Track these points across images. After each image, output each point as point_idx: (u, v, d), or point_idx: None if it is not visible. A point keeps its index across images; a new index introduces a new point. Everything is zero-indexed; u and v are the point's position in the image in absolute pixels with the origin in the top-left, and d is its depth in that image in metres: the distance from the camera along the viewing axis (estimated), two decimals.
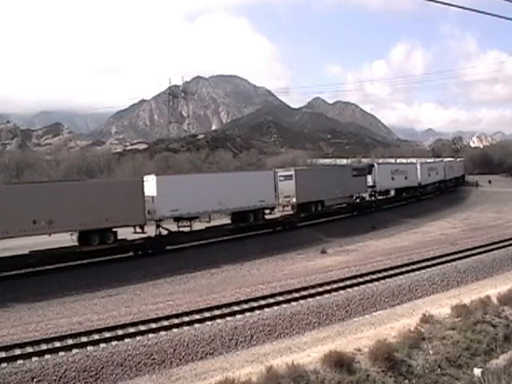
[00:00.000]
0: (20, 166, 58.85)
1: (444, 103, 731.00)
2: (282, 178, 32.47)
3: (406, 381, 10.69)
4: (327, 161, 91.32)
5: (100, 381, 11.42)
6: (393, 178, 42.68)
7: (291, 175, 32.02)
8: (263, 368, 10.34)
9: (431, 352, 11.63)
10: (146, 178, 24.70)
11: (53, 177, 49.94)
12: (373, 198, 40.69)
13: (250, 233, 28.92)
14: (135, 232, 23.80)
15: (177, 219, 25.60)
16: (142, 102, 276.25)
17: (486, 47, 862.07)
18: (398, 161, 64.05)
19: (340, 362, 10.53)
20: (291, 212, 32.58)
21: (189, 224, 26.03)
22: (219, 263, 23.45)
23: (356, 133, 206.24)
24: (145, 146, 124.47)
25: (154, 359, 12.21)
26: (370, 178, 39.76)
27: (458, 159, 68.43)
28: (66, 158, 72.13)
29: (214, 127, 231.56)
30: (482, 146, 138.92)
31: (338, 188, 34.77)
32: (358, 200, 38.67)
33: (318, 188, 33.04)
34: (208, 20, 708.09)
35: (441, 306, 15.12)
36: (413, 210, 41.44)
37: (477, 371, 10.95)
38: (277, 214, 32.13)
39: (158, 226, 24.92)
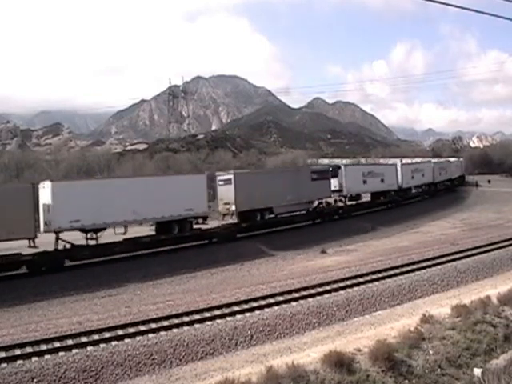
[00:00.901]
0: (20, 166, 58.85)
1: (444, 103, 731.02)
2: (221, 183, 29.31)
3: (406, 381, 10.68)
4: (326, 161, 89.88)
5: (100, 381, 11.42)
6: (365, 182, 38.99)
7: (230, 179, 28.59)
8: (263, 368, 10.34)
9: (431, 352, 11.63)
10: (41, 184, 22.86)
11: (53, 177, 49.90)
12: (340, 204, 37.09)
13: (175, 246, 25.42)
14: (30, 246, 21.16)
15: (84, 231, 22.84)
16: (142, 101, 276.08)
17: (486, 47, 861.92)
18: (383, 161, 61.00)
19: (340, 362, 10.53)
20: (232, 221, 28.74)
21: (95, 236, 23.03)
22: (219, 263, 23.46)
23: (356, 133, 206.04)
24: (145, 145, 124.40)
25: (153, 359, 12.21)
26: (336, 182, 36.18)
27: (453, 159, 65.09)
28: (66, 157, 72.15)
29: (214, 127, 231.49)
30: (482, 146, 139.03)
31: (291, 193, 31.10)
32: (321, 206, 35.12)
33: (265, 194, 29.23)
34: (208, 20, 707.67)
35: (441, 306, 15.12)
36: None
37: (477, 371, 10.95)
38: (219, 222, 28.86)
39: (57, 239, 22.00)
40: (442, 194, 52.06)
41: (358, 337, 12.71)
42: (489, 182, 62.22)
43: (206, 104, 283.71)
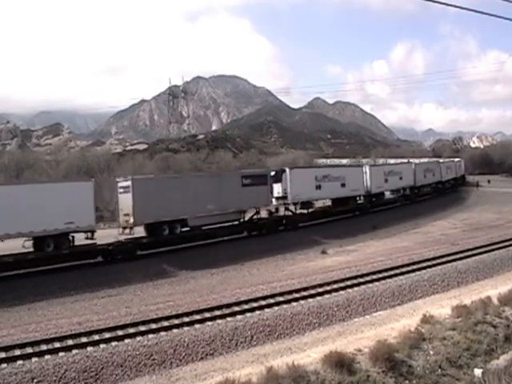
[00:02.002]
0: (20, 166, 58.78)
1: (444, 103, 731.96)
2: (121, 191, 25.05)
3: (407, 381, 10.67)
4: (324, 160, 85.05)
5: (100, 381, 11.41)
6: (319, 187, 33.98)
7: (129, 186, 24.41)
8: (263, 368, 10.32)
9: (432, 352, 11.61)
10: None
11: (53, 177, 49.88)
12: (287, 213, 32.29)
13: (51, 266, 21.45)
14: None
15: None
16: (142, 102, 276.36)
17: (486, 47, 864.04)
18: (348, 161, 57.19)
19: (340, 363, 10.51)
20: (131, 236, 24.43)
21: None
22: (219, 263, 23.43)
23: (356, 133, 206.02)
24: (145, 146, 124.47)
25: (154, 360, 12.20)
26: (279, 188, 31.54)
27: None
28: (66, 158, 72.00)
29: (214, 127, 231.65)
30: (482, 146, 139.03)
31: (212, 202, 26.65)
32: (257, 216, 30.40)
33: (175, 202, 24.99)
34: (209, 20, 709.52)
35: (441, 306, 15.10)
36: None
37: (477, 372, 10.94)
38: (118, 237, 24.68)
39: None
40: (438, 196, 49.53)
41: (359, 337, 12.70)
42: (489, 182, 62.19)
43: (206, 104, 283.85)
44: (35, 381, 11.11)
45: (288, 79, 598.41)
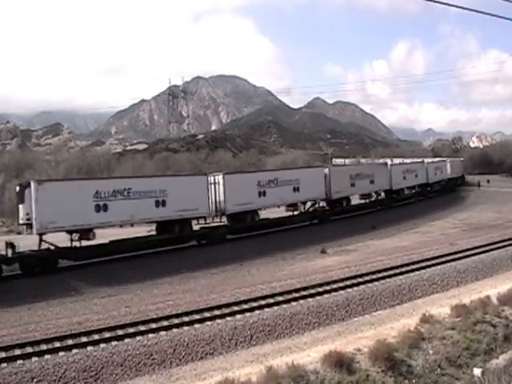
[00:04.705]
0: (20, 166, 58.86)
1: (445, 103, 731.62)
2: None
3: (406, 381, 10.69)
4: (341, 160, 77.24)
5: (100, 381, 11.43)
6: (101, 208, 22.26)
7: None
8: (263, 368, 10.35)
9: (431, 352, 11.63)
10: None
11: (52, 177, 49.88)
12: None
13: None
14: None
15: None
16: (142, 102, 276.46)
17: (486, 47, 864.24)
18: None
19: (340, 362, 10.53)
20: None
21: None
22: (219, 263, 23.42)
23: (356, 133, 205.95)
24: (145, 146, 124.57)
25: (153, 359, 12.21)
26: (23, 211, 21.39)
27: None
28: (66, 158, 72.13)
29: (213, 127, 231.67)
30: (481, 146, 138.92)
31: None
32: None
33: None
34: (211, 21, 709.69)
35: (441, 305, 15.12)
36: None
37: (477, 371, 10.95)
38: None
39: None
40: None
41: (358, 337, 12.72)
42: (488, 181, 62.18)
43: (206, 104, 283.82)
44: (35, 380, 11.13)
45: (289, 79, 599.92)
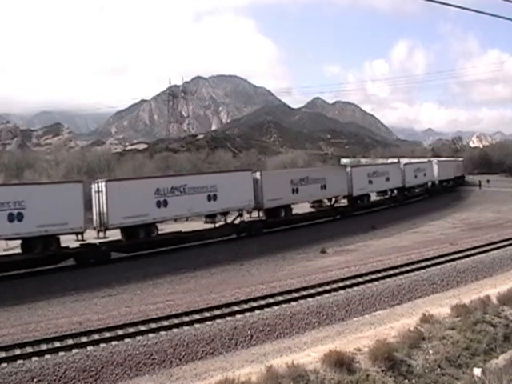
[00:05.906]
0: (20, 166, 58.79)
1: (445, 103, 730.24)
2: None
3: (406, 381, 10.69)
4: (347, 160, 77.16)
5: (100, 381, 11.43)
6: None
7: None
8: (263, 368, 10.35)
9: (431, 352, 11.64)
10: None
11: (53, 177, 49.86)
12: None
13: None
14: None
15: None
16: (142, 101, 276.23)
17: (486, 47, 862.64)
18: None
19: (340, 362, 10.53)
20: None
21: None
22: (219, 263, 23.44)
23: (356, 133, 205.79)
24: (145, 146, 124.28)
25: (154, 359, 12.22)
26: None
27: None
28: (66, 158, 71.94)
29: (213, 127, 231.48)
30: (481, 146, 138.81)
31: None
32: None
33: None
34: (212, 21, 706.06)
35: (440, 305, 15.12)
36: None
37: (477, 371, 10.95)
38: None
39: None
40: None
41: (358, 336, 12.72)
42: (488, 181, 62.21)
43: (206, 104, 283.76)
44: (35, 380, 11.13)
45: (289, 80, 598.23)
